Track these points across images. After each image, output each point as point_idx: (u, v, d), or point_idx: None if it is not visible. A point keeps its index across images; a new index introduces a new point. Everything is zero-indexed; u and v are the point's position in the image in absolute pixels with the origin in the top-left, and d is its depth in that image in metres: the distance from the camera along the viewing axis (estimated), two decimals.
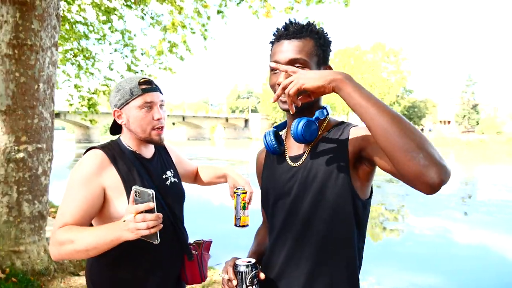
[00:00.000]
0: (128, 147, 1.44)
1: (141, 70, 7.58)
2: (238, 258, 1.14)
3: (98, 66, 7.84)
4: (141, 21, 7.00)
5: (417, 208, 10.33)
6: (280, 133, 1.26)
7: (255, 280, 1.09)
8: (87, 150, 1.40)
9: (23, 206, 3.61)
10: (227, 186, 1.67)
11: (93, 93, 7.94)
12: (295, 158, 1.16)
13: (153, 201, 1.12)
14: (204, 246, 1.58)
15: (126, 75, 7.70)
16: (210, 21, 6.67)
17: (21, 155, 3.55)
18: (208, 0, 6.40)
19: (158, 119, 1.39)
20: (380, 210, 10.08)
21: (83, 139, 55.95)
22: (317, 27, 1.11)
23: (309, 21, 1.11)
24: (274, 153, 1.19)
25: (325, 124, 1.16)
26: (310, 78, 0.94)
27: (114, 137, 1.52)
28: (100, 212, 1.35)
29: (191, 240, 1.60)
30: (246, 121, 76.58)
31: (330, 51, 1.15)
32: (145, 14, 6.93)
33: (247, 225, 1.41)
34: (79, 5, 6.84)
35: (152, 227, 1.11)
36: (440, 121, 78.53)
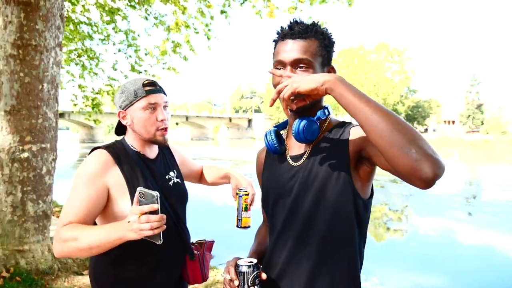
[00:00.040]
0: (132, 148, 1.46)
1: (145, 70, 7.60)
2: (239, 258, 1.14)
3: (102, 66, 7.89)
4: (144, 21, 7.03)
5: (421, 208, 10.29)
6: (281, 132, 1.26)
7: (256, 280, 1.09)
8: (92, 150, 1.42)
9: (27, 206, 3.63)
10: (230, 187, 1.68)
11: (97, 93, 7.97)
12: (296, 158, 1.16)
13: (157, 203, 1.13)
14: (206, 246, 1.59)
15: (130, 75, 7.74)
16: (214, 21, 6.70)
17: (25, 154, 3.57)
18: (212, 0, 6.42)
19: (162, 120, 1.41)
20: (384, 210, 10.06)
21: (87, 139, 56.15)
22: (322, 28, 1.12)
23: (314, 21, 1.11)
24: (275, 152, 1.19)
25: (326, 124, 1.16)
26: (303, 82, 0.96)
27: (119, 137, 1.54)
28: (103, 211, 1.37)
29: (193, 240, 1.61)
30: (250, 121, 76.63)
31: (333, 51, 1.15)
32: (148, 14, 6.95)
33: (249, 227, 1.41)
34: (83, 6, 6.87)
35: (156, 228, 1.12)
36: (445, 121, 78.25)
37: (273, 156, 1.24)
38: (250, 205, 1.43)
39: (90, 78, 7.92)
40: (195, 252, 1.53)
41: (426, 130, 74.11)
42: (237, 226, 1.41)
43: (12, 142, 3.53)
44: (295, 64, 1.07)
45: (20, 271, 3.56)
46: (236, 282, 1.08)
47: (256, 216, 1.43)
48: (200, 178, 1.83)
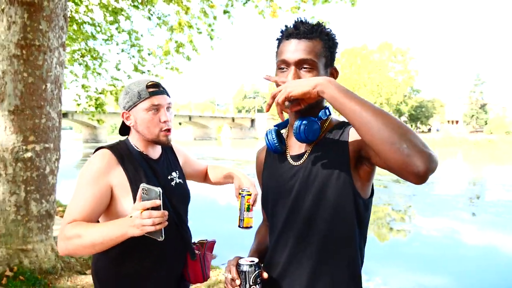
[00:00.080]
0: (135, 148, 1.47)
1: (148, 70, 7.62)
2: (241, 258, 1.14)
3: (105, 66, 7.91)
4: (148, 22, 7.04)
5: (424, 208, 10.26)
6: (282, 131, 1.26)
7: (258, 280, 1.09)
8: (96, 150, 1.44)
9: (31, 205, 3.64)
10: (233, 187, 1.68)
11: (100, 93, 8.00)
12: (296, 157, 1.16)
13: (160, 199, 1.14)
14: (207, 246, 1.60)
15: (133, 75, 7.76)
16: (217, 21, 6.69)
17: (29, 154, 3.58)
18: (215, 0, 6.42)
19: (165, 122, 1.43)
20: (387, 211, 10.03)
21: (91, 138, 56.35)
22: (326, 28, 1.12)
23: (318, 22, 1.11)
24: (276, 151, 1.19)
25: (327, 124, 1.17)
26: (296, 86, 0.98)
27: (123, 138, 1.56)
28: (107, 210, 1.38)
29: (195, 239, 1.62)
30: (253, 121, 76.65)
31: (336, 52, 1.16)
32: (152, 15, 6.96)
33: (251, 227, 1.42)
34: (86, 6, 6.89)
35: (158, 224, 1.13)
36: (448, 121, 77.99)
37: (273, 156, 1.24)
38: (253, 205, 1.44)
39: (93, 78, 7.96)
40: (196, 251, 1.54)
41: (429, 130, 73.94)
42: (239, 226, 1.42)
43: (16, 141, 3.54)
44: (299, 64, 1.07)
45: (24, 270, 3.57)
46: (238, 281, 1.08)
47: (258, 217, 1.43)
48: (204, 177, 1.84)
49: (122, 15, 7.01)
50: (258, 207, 1.45)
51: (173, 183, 1.54)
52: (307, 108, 1.07)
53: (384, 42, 66.82)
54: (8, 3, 3.46)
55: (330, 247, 1.08)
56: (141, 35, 7.53)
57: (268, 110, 1.07)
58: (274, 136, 1.17)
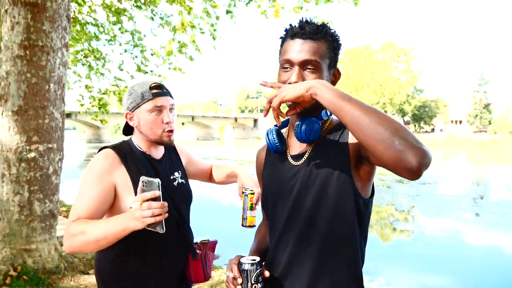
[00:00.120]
0: (138, 148, 1.50)
1: (151, 71, 7.63)
2: (242, 256, 1.15)
3: (108, 66, 7.94)
4: (150, 22, 7.09)
5: (428, 208, 10.23)
6: (282, 131, 1.27)
7: (260, 278, 1.09)
8: (99, 150, 1.46)
9: (34, 205, 3.66)
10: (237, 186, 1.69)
11: (103, 94, 8.03)
12: (296, 157, 1.17)
13: (159, 190, 1.15)
14: (209, 246, 1.61)
15: (136, 76, 7.78)
16: (219, 21, 6.71)
17: (32, 154, 3.59)
18: (217, 0, 6.43)
19: (167, 123, 1.45)
20: (390, 211, 10.01)
21: (94, 139, 56.51)
22: (331, 29, 1.12)
23: (323, 22, 1.11)
24: (276, 151, 1.20)
25: (327, 124, 1.17)
26: (290, 90, 1.00)
27: (126, 138, 1.59)
28: (111, 208, 1.40)
29: (198, 240, 1.63)
30: (255, 121, 76.62)
31: (339, 54, 1.16)
32: (154, 15, 6.98)
33: (254, 226, 1.42)
34: (89, 7, 6.92)
35: (158, 215, 1.14)
36: (452, 121, 77.69)
37: (274, 155, 1.25)
38: (256, 204, 1.44)
39: (96, 78, 7.99)
40: (198, 251, 1.55)
41: (433, 130, 73.68)
42: (242, 225, 1.42)
43: (19, 142, 3.56)
44: (304, 64, 1.08)
45: (27, 270, 3.59)
46: (240, 280, 1.08)
47: (261, 216, 1.43)
48: (209, 177, 1.86)
49: (125, 15, 7.03)
50: (259, 205, 1.45)
51: (175, 183, 1.55)
52: (303, 112, 1.08)
53: (388, 42, 66.60)
54: (12, 3, 3.47)
55: (331, 247, 1.08)
56: (144, 36, 7.55)
57: (266, 115, 1.07)
58: (274, 135, 1.18)
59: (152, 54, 7.56)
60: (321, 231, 1.08)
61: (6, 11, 3.50)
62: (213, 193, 10.69)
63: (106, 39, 7.54)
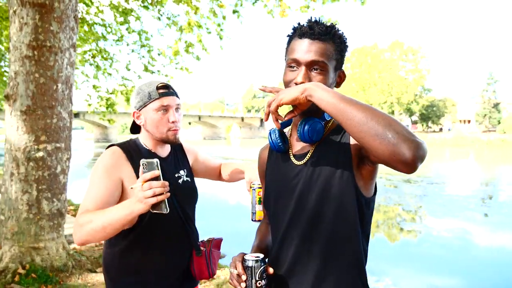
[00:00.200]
0: (145, 146, 1.53)
1: (158, 70, 7.67)
2: (245, 254, 1.15)
3: (115, 66, 8.03)
4: (157, 22, 7.09)
5: (435, 209, 10.14)
6: (284, 130, 1.27)
7: (264, 275, 1.09)
8: (107, 148, 1.50)
9: (43, 204, 3.69)
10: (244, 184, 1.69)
11: (111, 93, 8.08)
12: (299, 157, 1.17)
13: (158, 169, 1.16)
14: (214, 243, 1.62)
15: (143, 75, 7.82)
16: (226, 21, 6.71)
17: (40, 154, 3.63)
18: (224, 0, 6.43)
19: (173, 122, 1.49)
20: (397, 211, 9.95)
21: (102, 138, 56.96)
22: (339, 31, 1.12)
23: (332, 23, 1.11)
24: (279, 151, 1.20)
25: (330, 124, 1.18)
26: (286, 93, 1.01)
27: (134, 136, 1.62)
28: (117, 203, 1.41)
29: (205, 238, 1.64)
30: (262, 120, 76.59)
31: (345, 55, 1.16)
32: (161, 15, 7.00)
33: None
34: (97, 7, 6.96)
35: (159, 195, 1.15)
36: (460, 121, 77.00)
37: (276, 155, 1.25)
38: None
39: (104, 78, 8.06)
40: (202, 248, 1.57)
41: (441, 129, 73.06)
42: (252, 220, 1.43)
43: (28, 141, 3.60)
44: (311, 65, 1.08)
45: (36, 268, 3.63)
46: (244, 277, 1.09)
47: None
48: (219, 175, 1.88)
49: (132, 15, 7.07)
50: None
51: (180, 181, 1.58)
52: (306, 113, 1.09)
53: (395, 41, 66.16)
54: (20, 4, 3.51)
55: (335, 246, 1.09)
56: (151, 36, 7.59)
57: (266, 120, 1.09)
58: (277, 135, 1.18)
59: (159, 54, 7.60)
60: (324, 230, 1.08)
61: (14, 12, 3.54)
62: (218, 192, 10.71)
63: (113, 39, 7.60)
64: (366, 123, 0.90)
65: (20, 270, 3.57)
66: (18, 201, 3.64)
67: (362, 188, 1.08)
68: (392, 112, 61.80)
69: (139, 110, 1.50)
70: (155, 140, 1.52)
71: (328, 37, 1.07)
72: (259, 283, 1.08)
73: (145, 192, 1.14)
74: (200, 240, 1.62)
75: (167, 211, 1.18)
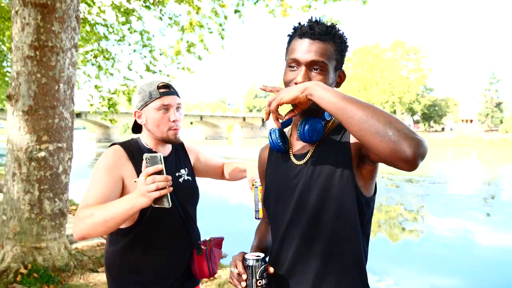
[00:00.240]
0: (146, 145, 1.55)
1: (160, 70, 7.67)
2: (246, 253, 1.15)
3: (117, 66, 8.00)
4: (159, 22, 7.09)
5: (437, 208, 10.13)
6: (285, 130, 1.27)
7: (264, 274, 1.09)
8: (109, 146, 1.51)
9: (44, 204, 3.70)
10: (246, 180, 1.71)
11: (113, 93, 8.09)
12: (299, 156, 1.17)
13: (161, 163, 1.17)
14: (215, 242, 1.62)
15: (145, 75, 7.83)
16: (227, 21, 6.71)
17: (42, 154, 3.64)
18: (225, 0, 6.43)
19: (174, 121, 1.50)
20: (399, 211, 9.94)
21: (103, 138, 57.03)
22: (340, 31, 1.12)
23: (333, 23, 1.11)
24: (279, 150, 1.20)
25: (330, 124, 1.18)
26: (286, 92, 1.01)
27: (135, 135, 1.63)
28: None
29: (206, 238, 1.64)
30: (264, 120, 76.36)
31: (345, 55, 1.16)
32: (163, 15, 7.01)
33: None
34: (99, 7, 6.97)
35: (162, 189, 1.15)
36: (462, 120, 76.78)
37: (276, 154, 1.25)
38: None
39: (106, 78, 8.07)
40: (203, 247, 1.58)
41: (443, 129, 72.86)
42: (256, 218, 1.44)
43: (30, 141, 3.60)
44: (311, 65, 1.08)
45: (38, 268, 3.63)
46: (244, 276, 1.09)
47: None
48: (221, 174, 1.88)
49: (134, 15, 7.07)
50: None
51: (181, 180, 1.59)
52: (306, 112, 1.09)
53: (397, 40, 66.00)
54: (22, 5, 3.52)
55: (335, 246, 1.09)
56: (153, 36, 7.60)
57: (267, 119, 1.09)
58: (277, 135, 1.18)
59: (160, 54, 7.61)
60: (325, 230, 1.09)
61: (16, 12, 3.55)
62: (220, 192, 10.71)
63: (115, 40, 7.60)
64: (367, 121, 0.90)
65: (22, 270, 3.58)
66: (20, 201, 3.65)
67: (362, 187, 1.09)
68: (394, 112, 61.64)
69: (140, 110, 1.52)
70: (156, 139, 1.53)
71: (328, 37, 1.08)
72: (260, 282, 1.08)
73: (148, 186, 1.15)
74: (201, 240, 1.62)
75: (169, 205, 1.18)
